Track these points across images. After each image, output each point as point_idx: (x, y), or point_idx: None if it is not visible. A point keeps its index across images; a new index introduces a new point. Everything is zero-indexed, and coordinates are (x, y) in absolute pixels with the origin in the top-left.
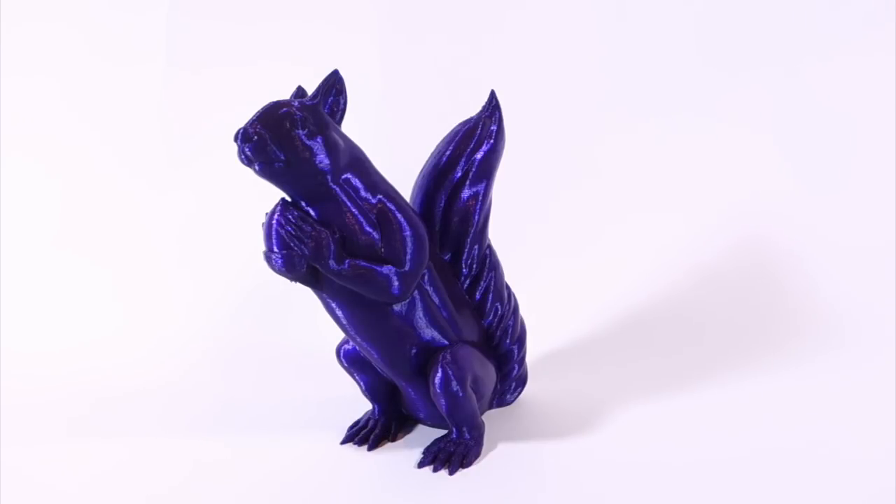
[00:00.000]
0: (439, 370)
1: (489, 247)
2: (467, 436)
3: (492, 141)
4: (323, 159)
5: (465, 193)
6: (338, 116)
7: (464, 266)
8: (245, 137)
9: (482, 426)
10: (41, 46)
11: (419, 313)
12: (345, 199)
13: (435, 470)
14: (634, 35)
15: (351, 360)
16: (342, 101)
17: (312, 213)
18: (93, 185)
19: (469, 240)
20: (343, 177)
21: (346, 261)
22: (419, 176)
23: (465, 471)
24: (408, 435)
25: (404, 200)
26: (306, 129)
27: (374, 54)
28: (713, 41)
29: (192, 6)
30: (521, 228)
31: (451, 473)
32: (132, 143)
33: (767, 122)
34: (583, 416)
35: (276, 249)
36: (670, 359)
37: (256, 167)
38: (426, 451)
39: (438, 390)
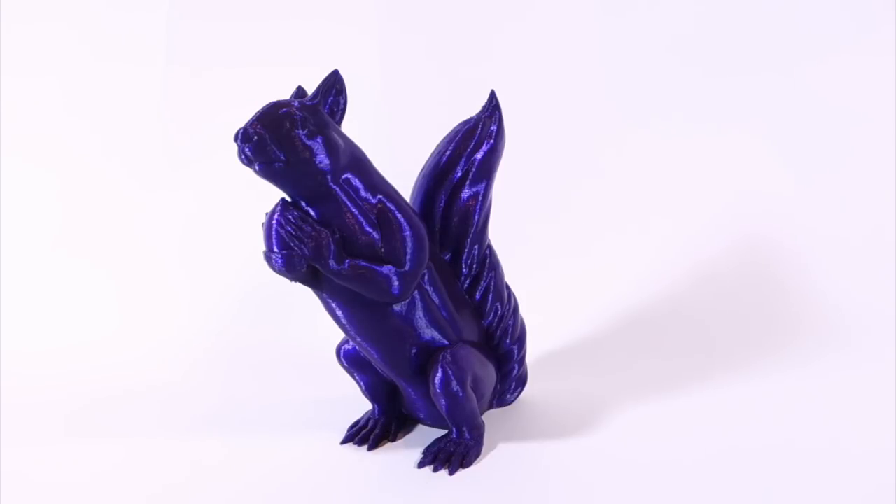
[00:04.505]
0: (439, 370)
1: (489, 247)
2: (467, 436)
3: (492, 141)
4: (323, 159)
5: (465, 193)
6: (338, 116)
7: (464, 266)
8: (245, 137)
9: (482, 426)
10: (41, 46)
11: (419, 313)
12: (345, 199)
13: (435, 470)
14: (634, 35)
15: (351, 360)
16: (342, 101)
17: (312, 213)
18: (93, 186)
19: (469, 240)
20: (343, 177)
21: (346, 261)
22: (419, 176)
23: (465, 471)
24: (408, 435)
25: (404, 200)
26: (306, 129)
27: (374, 54)
28: (713, 42)
29: (192, 7)
30: (521, 228)
31: (451, 473)
32: (132, 143)
33: (767, 122)
34: (583, 416)
35: (276, 249)
36: (671, 358)
37: (256, 167)
38: (426, 451)
39: (438, 390)
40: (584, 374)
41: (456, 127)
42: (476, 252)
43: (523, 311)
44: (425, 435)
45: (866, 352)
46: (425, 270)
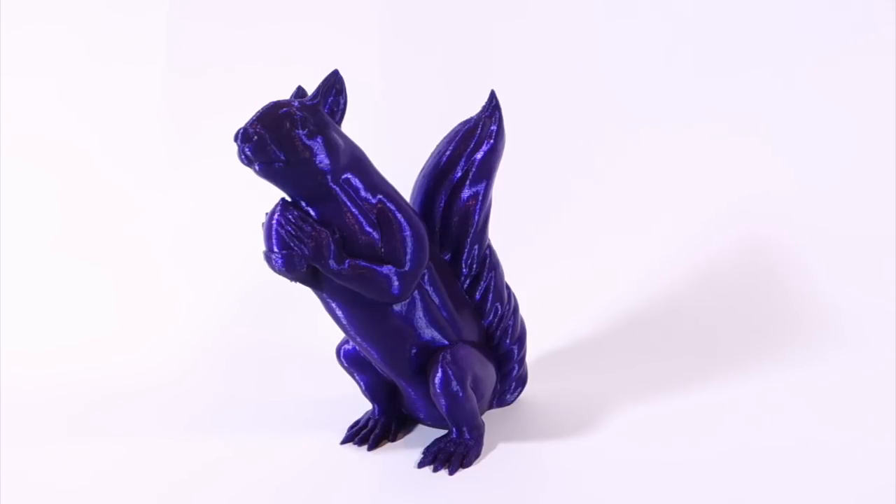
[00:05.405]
0: (439, 370)
1: (489, 247)
2: (467, 436)
3: (492, 141)
4: (323, 159)
5: (465, 193)
6: (338, 116)
7: (464, 266)
8: (245, 137)
9: (482, 426)
10: (41, 48)
11: (419, 313)
12: (345, 199)
13: (435, 470)
14: (634, 36)
15: (351, 360)
16: (342, 101)
17: (312, 213)
18: (93, 186)
19: (469, 240)
20: (343, 177)
21: (346, 261)
22: (419, 176)
23: (465, 471)
24: (408, 435)
25: (404, 200)
26: (306, 129)
27: (374, 54)
28: (712, 42)
29: (192, 8)
30: (521, 228)
31: (451, 473)
32: (132, 143)
33: (767, 122)
34: (583, 416)
35: (276, 249)
36: (671, 358)
37: (256, 167)
38: (426, 451)
39: (438, 390)
40: (584, 374)
41: (456, 127)
42: (476, 252)
43: (523, 311)
44: (425, 435)
45: (866, 352)
46: (425, 270)
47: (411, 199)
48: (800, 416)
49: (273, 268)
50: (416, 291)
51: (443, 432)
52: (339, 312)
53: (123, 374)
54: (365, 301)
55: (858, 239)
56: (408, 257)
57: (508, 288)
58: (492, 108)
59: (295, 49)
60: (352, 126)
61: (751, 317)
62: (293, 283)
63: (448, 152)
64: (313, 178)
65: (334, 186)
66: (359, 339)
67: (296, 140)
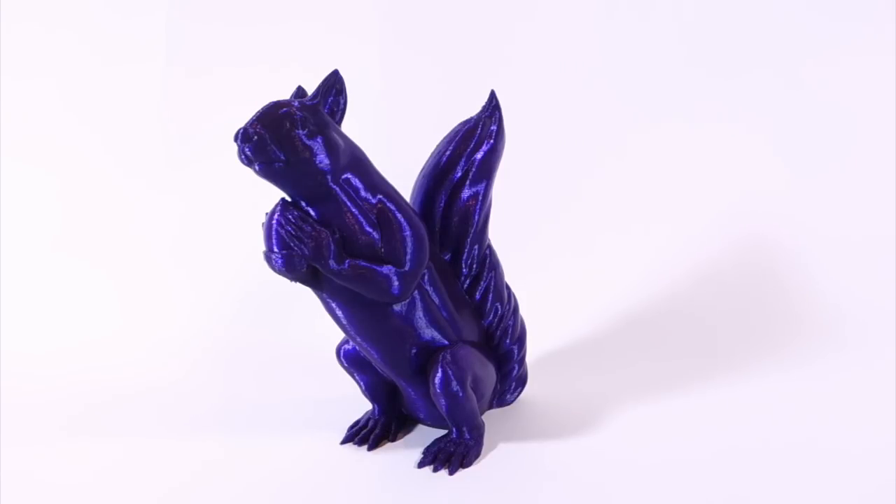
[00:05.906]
0: (439, 370)
1: (489, 247)
2: (467, 436)
3: (492, 141)
4: (323, 159)
5: (465, 193)
6: (338, 116)
7: (464, 266)
8: (245, 137)
9: (482, 426)
10: (41, 47)
11: (419, 313)
12: (345, 199)
13: (435, 470)
14: (634, 36)
15: (351, 360)
16: (342, 101)
17: (312, 213)
18: (93, 186)
19: (469, 240)
20: (343, 177)
21: (346, 261)
22: (419, 176)
23: (465, 471)
24: (408, 435)
25: (404, 200)
26: (306, 129)
27: (374, 54)
28: (712, 42)
29: (192, 7)
30: (521, 228)
31: (451, 473)
32: (132, 143)
33: (768, 121)
34: (583, 416)
35: (276, 249)
36: (671, 358)
37: (256, 167)
38: (426, 451)
39: (438, 390)
40: (584, 374)
41: (456, 127)
42: (476, 252)
43: (523, 311)
44: (425, 435)
45: (866, 352)
46: (425, 270)
47: (411, 199)
48: (800, 415)
49: (273, 268)
50: (416, 291)
51: (443, 432)
52: (339, 312)
53: (124, 374)
54: (365, 301)
55: (858, 239)
56: (408, 257)
57: (508, 288)
58: (492, 108)
59: (295, 49)
60: (352, 126)
61: (751, 317)
62: (293, 283)
63: (448, 152)
64: (313, 178)
65: (334, 186)
66: (359, 339)
67: (296, 140)
